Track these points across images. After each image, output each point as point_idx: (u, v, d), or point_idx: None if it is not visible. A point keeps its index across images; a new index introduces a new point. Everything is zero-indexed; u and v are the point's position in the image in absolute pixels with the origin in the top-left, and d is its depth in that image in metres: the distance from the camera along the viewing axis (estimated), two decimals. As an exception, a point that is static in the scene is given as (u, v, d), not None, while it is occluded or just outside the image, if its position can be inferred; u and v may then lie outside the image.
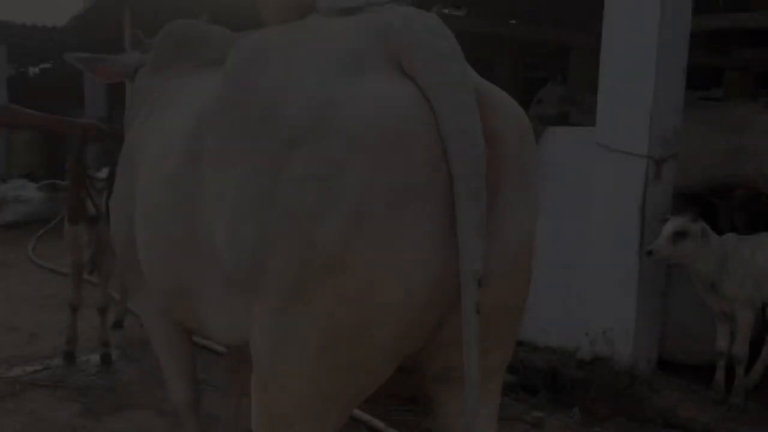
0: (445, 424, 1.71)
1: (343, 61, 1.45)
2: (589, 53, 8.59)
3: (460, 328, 1.49)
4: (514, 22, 8.20)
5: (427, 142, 1.34)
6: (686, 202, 4.16)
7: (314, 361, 1.46)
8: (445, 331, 1.50)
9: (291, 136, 1.40)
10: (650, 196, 3.82)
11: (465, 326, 1.35)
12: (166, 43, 2.70)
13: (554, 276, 4.08)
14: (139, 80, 3.00)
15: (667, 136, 3.86)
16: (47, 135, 14.01)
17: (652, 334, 4.04)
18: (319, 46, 1.51)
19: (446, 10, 7.51)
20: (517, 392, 3.95)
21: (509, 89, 1.67)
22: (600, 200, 3.98)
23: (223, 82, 1.64)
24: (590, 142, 4.00)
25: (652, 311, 3.99)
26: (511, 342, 1.68)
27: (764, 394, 3.78)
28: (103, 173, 3.92)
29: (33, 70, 15.93)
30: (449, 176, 1.34)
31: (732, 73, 9.96)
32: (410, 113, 1.35)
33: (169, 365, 2.56)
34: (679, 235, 3.47)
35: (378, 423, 3.36)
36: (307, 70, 1.46)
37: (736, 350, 3.60)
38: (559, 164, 4.12)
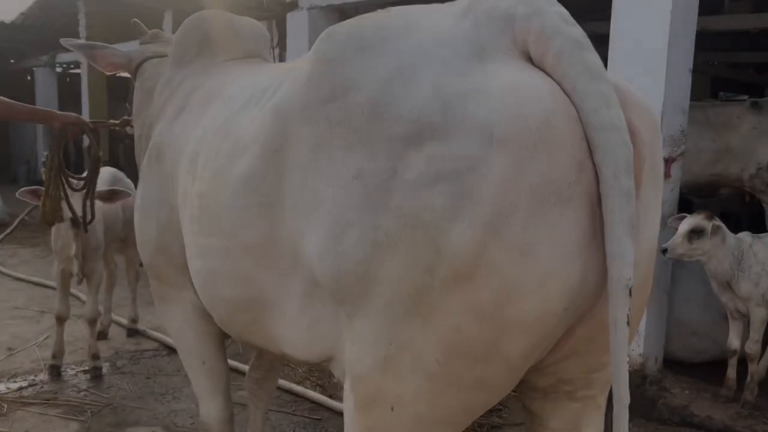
0: None
1: (464, 49, 1.33)
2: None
3: (584, 340, 1.41)
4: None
5: (572, 138, 1.24)
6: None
7: (433, 378, 1.34)
8: (569, 343, 1.41)
9: (409, 132, 1.28)
10: (660, 196, 3.83)
11: (614, 340, 1.25)
12: (192, 35, 2.53)
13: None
14: (153, 74, 2.81)
15: (675, 136, 3.88)
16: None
17: (660, 333, 4.06)
18: (433, 33, 1.38)
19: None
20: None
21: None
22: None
23: (314, 74, 1.50)
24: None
25: (660, 310, 4.00)
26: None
27: (775, 390, 3.83)
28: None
29: (-24, 68, 15.15)
30: (594, 176, 1.25)
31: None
32: (553, 106, 1.24)
33: (202, 381, 2.39)
34: (695, 234, 3.48)
35: None
36: (425, 59, 1.33)
37: (749, 347, 3.63)
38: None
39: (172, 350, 4.53)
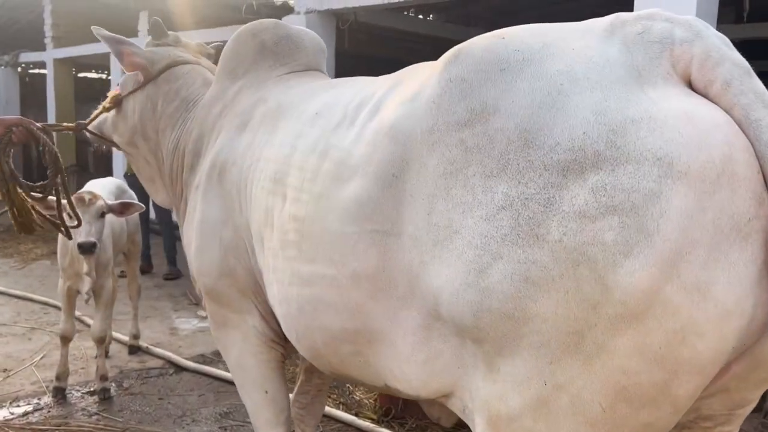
0: None
1: (619, 74, 1.26)
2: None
3: (737, 377, 1.35)
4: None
5: (751, 171, 1.18)
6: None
7: (595, 423, 1.27)
8: (721, 380, 1.35)
9: (568, 161, 1.21)
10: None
11: None
12: (248, 45, 2.40)
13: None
14: (188, 81, 2.63)
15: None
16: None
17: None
18: (579, 55, 1.31)
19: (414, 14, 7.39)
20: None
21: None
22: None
23: (444, 95, 1.42)
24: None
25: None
26: None
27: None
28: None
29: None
30: None
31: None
32: (733, 137, 1.18)
33: (263, 412, 2.26)
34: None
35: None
36: (578, 83, 1.26)
37: (773, 357, 3.66)
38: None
39: (179, 368, 4.36)
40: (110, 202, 3.59)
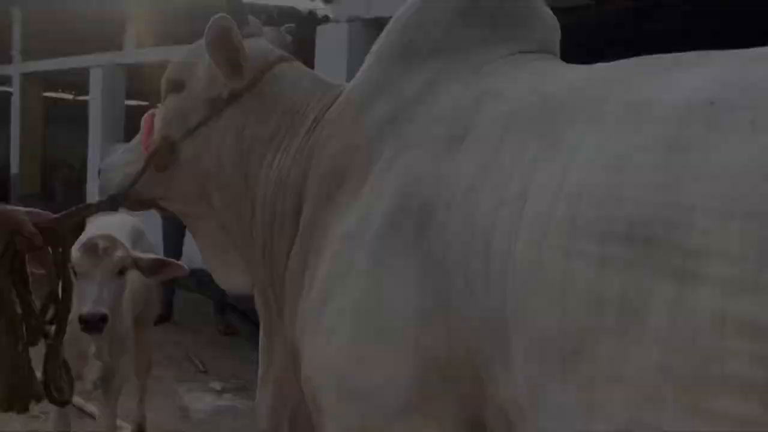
0: None
1: None
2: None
3: None
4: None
5: None
6: None
7: None
8: None
9: None
10: None
11: None
12: (442, 10, 1.46)
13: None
14: (291, 84, 1.62)
15: None
16: None
17: None
18: None
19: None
20: None
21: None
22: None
23: None
24: None
25: None
26: None
27: None
28: None
29: None
30: None
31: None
32: None
33: None
34: None
35: None
36: None
37: None
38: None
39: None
40: (138, 254, 2.51)
